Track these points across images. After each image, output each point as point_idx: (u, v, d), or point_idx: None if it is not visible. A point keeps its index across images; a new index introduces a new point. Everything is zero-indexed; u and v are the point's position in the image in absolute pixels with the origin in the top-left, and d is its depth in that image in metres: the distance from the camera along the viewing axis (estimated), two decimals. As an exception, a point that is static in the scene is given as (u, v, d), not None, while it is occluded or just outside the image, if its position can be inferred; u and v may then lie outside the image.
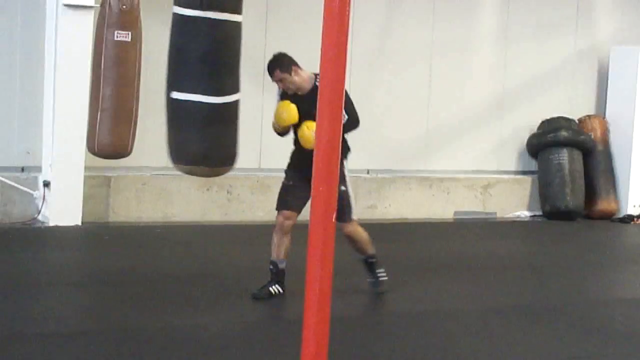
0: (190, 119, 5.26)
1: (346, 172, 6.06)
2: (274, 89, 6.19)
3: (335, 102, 3.20)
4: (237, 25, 5.28)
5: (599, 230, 10.41)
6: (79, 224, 8.42)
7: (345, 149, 6.08)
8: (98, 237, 8.23)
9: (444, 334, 5.54)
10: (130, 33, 6.24)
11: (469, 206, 10.68)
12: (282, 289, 6.08)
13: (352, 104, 5.90)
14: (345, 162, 6.08)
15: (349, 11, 3.14)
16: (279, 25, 9.42)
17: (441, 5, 10.56)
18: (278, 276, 6.07)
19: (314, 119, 5.74)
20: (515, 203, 10.98)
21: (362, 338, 5.38)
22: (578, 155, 10.91)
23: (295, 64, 5.87)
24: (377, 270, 6.30)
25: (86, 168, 8.37)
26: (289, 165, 6.15)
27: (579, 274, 7.76)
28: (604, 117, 11.36)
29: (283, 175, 6.24)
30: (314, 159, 3.25)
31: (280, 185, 6.22)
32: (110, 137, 6.04)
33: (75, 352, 4.82)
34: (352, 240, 6.18)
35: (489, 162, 11.04)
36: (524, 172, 11.22)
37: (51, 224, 8.33)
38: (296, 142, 6.05)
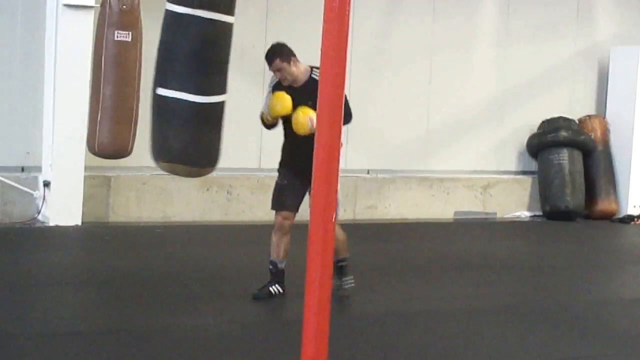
0: (174, 117, 5.20)
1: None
2: (271, 86, 6.17)
3: (335, 102, 3.20)
4: (229, 27, 5.25)
5: (599, 231, 10.41)
6: (79, 223, 8.42)
7: None
8: (98, 237, 8.23)
9: (443, 334, 5.54)
10: (130, 33, 6.24)
11: (469, 206, 10.68)
12: (282, 288, 6.08)
13: (345, 97, 5.87)
14: None
15: (349, 11, 3.14)
16: (279, 25, 9.42)
17: (441, 5, 10.57)
18: (278, 276, 6.07)
19: (307, 111, 5.77)
20: (515, 203, 10.99)
21: (362, 338, 5.37)
22: (578, 156, 10.92)
23: (294, 55, 5.86)
24: (346, 278, 6.20)
25: (86, 168, 8.38)
26: (282, 162, 6.11)
27: (579, 274, 7.76)
28: (604, 118, 11.36)
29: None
30: (314, 159, 3.24)
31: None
32: (110, 137, 6.04)
33: (75, 352, 4.82)
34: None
35: (489, 162, 11.04)
36: (524, 172, 11.23)
37: (51, 223, 8.33)
38: (287, 137, 6.01)
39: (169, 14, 5.18)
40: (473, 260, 8.03)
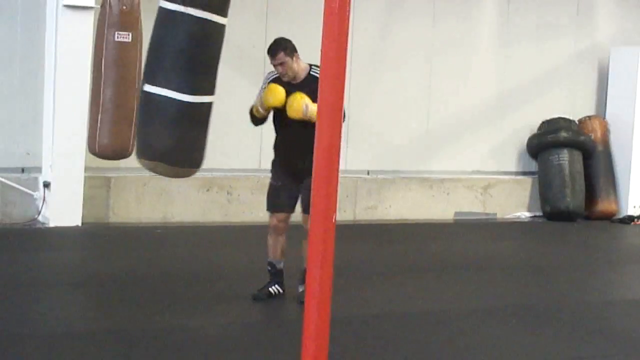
0: (158, 114, 5.14)
1: None
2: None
3: (335, 102, 3.20)
4: (220, 28, 5.22)
5: (599, 231, 10.41)
6: (79, 224, 8.42)
7: None
8: (98, 237, 8.24)
9: (444, 335, 5.54)
10: (130, 34, 6.24)
11: (469, 207, 10.68)
12: (282, 288, 6.07)
13: None
14: None
15: (349, 11, 3.14)
16: (279, 25, 9.41)
17: (441, 5, 10.57)
18: (277, 276, 6.07)
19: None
20: (515, 204, 10.99)
21: (362, 338, 5.37)
22: (578, 156, 10.92)
23: (297, 52, 5.86)
24: None
25: (86, 169, 8.38)
26: (275, 162, 6.07)
27: (579, 275, 7.76)
28: (604, 118, 11.36)
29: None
30: (314, 159, 3.24)
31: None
32: (111, 138, 6.04)
33: (75, 352, 4.82)
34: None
35: (489, 163, 11.04)
36: (524, 173, 11.23)
37: (51, 224, 8.33)
38: (280, 134, 5.98)
39: (161, 11, 5.17)
40: (473, 261, 8.03)
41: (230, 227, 9.01)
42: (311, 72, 5.82)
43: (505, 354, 5.24)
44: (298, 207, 6.06)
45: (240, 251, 7.88)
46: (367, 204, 10.11)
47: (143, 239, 8.24)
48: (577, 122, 11.17)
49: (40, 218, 8.47)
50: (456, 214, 10.59)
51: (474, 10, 10.86)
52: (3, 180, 8.43)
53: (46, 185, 8.42)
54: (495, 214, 10.83)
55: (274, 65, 5.82)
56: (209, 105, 5.35)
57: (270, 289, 6.05)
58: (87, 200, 8.53)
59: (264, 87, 5.93)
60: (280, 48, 5.78)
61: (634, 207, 11.04)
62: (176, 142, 5.20)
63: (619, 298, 7.08)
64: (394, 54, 10.36)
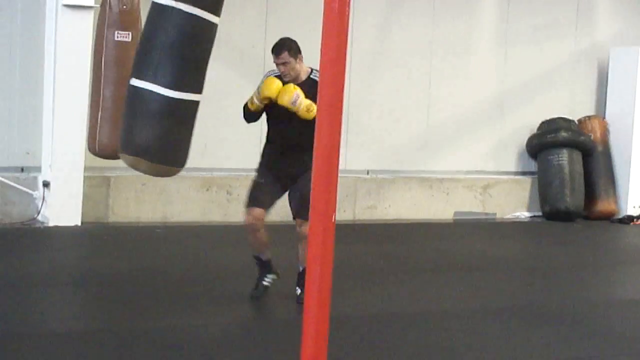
0: (142, 108, 5.09)
1: None
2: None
3: (335, 103, 3.20)
4: (210, 26, 5.19)
5: (598, 231, 10.41)
6: (79, 224, 8.42)
7: None
8: (98, 237, 8.24)
9: (443, 335, 5.54)
10: (130, 33, 6.25)
11: (469, 207, 10.68)
12: (275, 274, 6.07)
13: None
14: None
15: (348, 11, 3.14)
16: (279, 25, 9.41)
17: (441, 5, 10.57)
18: (265, 267, 6.05)
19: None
20: (514, 204, 10.99)
21: (361, 339, 5.37)
22: (578, 156, 10.92)
23: (301, 54, 5.85)
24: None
25: (86, 168, 8.38)
26: (262, 162, 6.02)
27: (579, 275, 7.76)
28: (603, 118, 11.37)
29: None
30: (314, 159, 3.24)
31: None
32: (110, 138, 6.03)
33: (75, 352, 4.82)
34: (305, 242, 5.96)
35: (488, 163, 11.05)
36: (523, 173, 11.23)
37: (51, 224, 8.33)
38: (272, 133, 5.96)
39: (153, 6, 5.17)
40: (473, 261, 8.03)
41: (230, 227, 9.01)
42: (311, 76, 5.81)
43: (505, 354, 5.25)
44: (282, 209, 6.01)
45: (239, 251, 7.85)
46: (367, 204, 10.12)
47: (143, 239, 8.24)
48: (576, 122, 11.18)
49: (39, 217, 8.47)
50: (456, 213, 10.60)
51: (474, 10, 10.86)
52: (2, 179, 8.43)
53: (46, 184, 8.42)
54: (495, 213, 10.83)
55: (277, 64, 5.79)
56: (194, 104, 5.29)
57: (263, 282, 6.04)
58: (87, 200, 8.53)
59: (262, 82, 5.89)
60: (285, 47, 5.76)
61: (634, 207, 11.04)
62: (158, 138, 5.14)
63: (619, 298, 7.08)
64: (394, 54, 10.36)
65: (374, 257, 7.96)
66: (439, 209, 10.50)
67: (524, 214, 11.00)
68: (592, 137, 11.07)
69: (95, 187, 8.72)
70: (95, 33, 6.73)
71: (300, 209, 5.81)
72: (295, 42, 5.82)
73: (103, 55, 6.37)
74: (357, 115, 9.83)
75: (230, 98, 8.17)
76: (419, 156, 10.61)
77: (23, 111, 8.65)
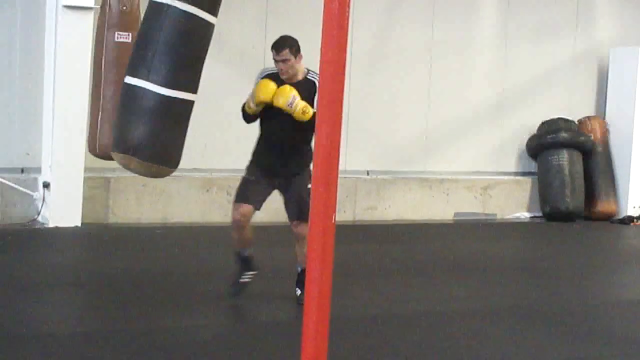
0: (134, 106, 5.08)
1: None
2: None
3: (335, 103, 3.20)
4: (206, 25, 5.17)
5: (598, 232, 10.41)
6: (79, 225, 8.42)
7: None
8: (98, 238, 8.23)
9: (443, 336, 5.54)
10: (130, 34, 6.24)
11: (469, 207, 10.68)
12: (255, 271, 6.02)
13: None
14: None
15: (348, 12, 3.14)
16: (278, 25, 9.41)
17: (441, 6, 10.57)
18: (245, 264, 5.99)
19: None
20: (515, 204, 10.99)
21: (361, 339, 5.37)
22: (578, 157, 10.92)
23: (301, 53, 5.82)
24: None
25: (86, 169, 8.38)
26: (253, 160, 5.96)
27: (579, 276, 7.76)
28: (603, 118, 11.37)
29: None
30: (314, 159, 3.24)
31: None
32: (110, 139, 6.01)
33: (75, 353, 4.82)
34: (303, 243, 5.83)
35: (488, 164, 11.05)
36: (523, 174, 11.23)
37: (51, 225, 8.33)
38: (265, 133, 5.90)
39: (150, 4, 5.16)
40: (473, 262, 8.03)
41: (229, 228, 8.98)
42: (308, 77, 5.77)
43: (505, 354, 5.24)
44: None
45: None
46: (367, 205, 10.11)
47: (143, 240, 8.24)
48: (576, 123, 11.18)
49: (39, 218, 8.47)
50: (456, 214, 10.60)
51: (474, 11, 10.86)
52: (3, 180, 8.42)
53: (46, 185, 8.42)
54: (495, 214, 10.83)
55: (276, 61, 5.71)
56: (188, 104, 5.26)
57: (241, 279, 5.98)
58: (87, 201, 8.53)
59: (256, 83, 5.81)
60: (287, 45, 5.69)
61: (634, 207, 11.04)
62: (150, 136, 5.11)
63: (619, 298, 7.08)
64: (394, 54, 10.36)
65: (374, 257, 7.96)
66: (439, 209, 10.50)
67: (524, 215, 11.00)
68: (592, 138, 11.07)
69: (95, 188, 8.72)
70: (95, 34, 6.73)
71: (298, 211, 5.80)
72: (296, 41, 5.78)
73: (103, 56, 6.37)
74: (357, 115, 9.83)
75: (230, 98, 8.15)
76: (419, 157, 10.62)
77: (23, 112, 8.65)
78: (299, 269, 5.96)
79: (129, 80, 5.20)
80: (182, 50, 5.12)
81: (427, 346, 5.31)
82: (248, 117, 5.89)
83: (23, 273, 6.57)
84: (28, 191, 8.50)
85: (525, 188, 11.07)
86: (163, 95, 5.08)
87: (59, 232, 8.22)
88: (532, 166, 11.18)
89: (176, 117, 5.22)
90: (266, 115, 5.81)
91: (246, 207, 5.84)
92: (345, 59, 3.19)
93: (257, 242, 7.87)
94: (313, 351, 3.23)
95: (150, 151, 5.16)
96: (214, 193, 9.29)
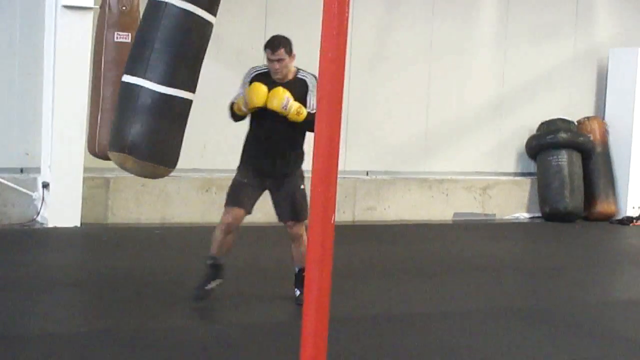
0: (131, 104, 5.06)
1: (304, 173, 5.89)
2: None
3: (334, 103, 3.20)
4: (204, 23, 5.15)
5: (598, 232, 10.41)
6: (78, 225, 8.42)
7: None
8: (97, 238, 8.23)
9: (442, 336, 5.54)
10: (130, 34, 6.24)
11: (468, 208, 10.68)
12: (221, 278, 5.89)
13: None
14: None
15: (348, 12, 3.14)
16: (278, 25, 9.39)
17: (440, 6, 10.57)
18: (217, 271, 5.88)
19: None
20: (514, 205, 10.99)
21: (361, 339, 5.37)
22: (577, 157, 10.92)
23: (293, 53, 5.78)
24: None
25: (85, 169, 8.37)
26: (245, 161, 5.90)
27: (578, 276, 7.76)
28: (603, 119, 11.37)
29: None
30: (314, 159, 3.24)
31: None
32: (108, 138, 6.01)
33: (74, 353, 4.82)
34: (299, 243, 5.85)
35: (488, 164, 11.05)
36: (523, 174, 11.24)
37: (50, 225, 8.33)
38: (255, 134, 5.84)
39: (148, 2, 5.15)
40: (472, 262, 8.03)
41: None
42: (298, 75, 5.72)
43: (503, 355, 5.24)
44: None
45: (238, 252, 7.84)
46: (366, 205, 10.11)
47: (142, 240, 8.24)
48: (575, 123, 11.18)
49: (39, 219, 8.46)
50: (455, 214, 10.60)
51: (474, 11, 10.86)
52: (2, 180, 8.42)
53: (45, 185, 8.41)
54: (494, 214, 10.83)
55: (271, 60, 5.65)
56: (186, 102, 5.22)
57: (209, 286, 5.85)
58: (86, 201, 8.52)
59: (246, 83, 5.75)
60: (282, 45, 5.64)
61: (633, 207, 11.04)
62: (146, 134, 5.07)
63: (618, 299, 7.08)
64: (394, 55, 10.36)
65: (374, 258, 7.96)
66: (438, 210, 10.49)
67: (523, 215, 11.00)
68: (591, 138, 11.07)
69: (95, 188, 8.71)
70: (94, 34, 6.73)
71: (292, 212, 5.78)
72: (290, 41, 5.73)
73: (102, 56, 6.36)
74: (356, 115, 9.83)
75: (229, 98, 8.15)
76: (418, 157, 10.62)
77: (22, 112, 8.65)
78: (296, 269, 5.96)
79: (126, 78, 5.19)
80: (180, 48, 5.11)
81: (427, 346, 5.31)
82: (237, 117, 5.83)
83: (22, 273, 6.57)
84: (27, 191, 8.50)
85: (524, 188, 11.07)
86: (159, 93, 5.06)
87: (58, 233, 8.22)
88: (532, 166, 11.18)
89: (173, 115, 5.20)
90: (257, 115, 5.75)
91: (238, 211, 5.80)
92: (344, 59, 3.19)
93: (255, 243, 7.90)
94: (312, 351, 3.23)
95: (146, 150, 5.13)
96: (213, 193, 9.28)
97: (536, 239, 9.96)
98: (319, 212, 3.22)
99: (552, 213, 10.74)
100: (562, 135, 10.84)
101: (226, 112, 5.91)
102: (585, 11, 11.50)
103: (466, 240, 9.32)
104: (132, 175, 8.81)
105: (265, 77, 5.70)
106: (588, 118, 11.31)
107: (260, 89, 5.60)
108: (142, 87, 5.07)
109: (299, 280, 5.82)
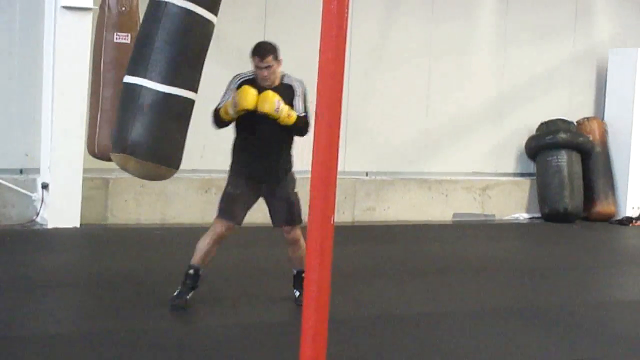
0: (132, 103, 5.04)
1: (295, 176, 5.88)
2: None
3: (334, 104, 3.20)
4: (205, 22, 5.14)
5: (597, 233, 10.42)
6: (78, 225, 8.41)
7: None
8: (96, 239, 8.23)
9: (442, 336, 5.54)
10: (129, 35, 6.24)
11: (468, 208, 10.68)
12: (196, 288, 5.79)
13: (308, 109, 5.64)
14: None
15: (347, 12, 3.14)
16: (278, 26, 9.42)
17: (440, 7, 10.57)
18: (196, 282, 5.77)
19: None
20: (513, 205, 10.99)
21: (360, 340, 5.37)
22: (576, 158, 10.92)
23: (280, 57, 5.75)
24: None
25: (85, 170, 8.37)
26: (235, 169, 5.86)
27: (578, 276, 7.76)
28: (602, 119, 11.37)
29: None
30: (313, 160, 3.24)
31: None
32: (109, 140, 6.01)
33: (74, 353, 4.82)
34: (297, 247, 5.84)
35: (487, 164, 11.05)
36: (522, 174, 11.24)
37: (50, 226, 8.32)
38: (243, 138, 5.80)
39: (150, 2, 5.15)
40: (472, 262, 8.03)
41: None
42: (284, 80, 5.67)
43: (503, 355, 5.24)
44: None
45: (238, 253, 7.86)
46: (366, 206, 10.11)
47: (141, 241, 8.24)
48: (575, 124, 11.18)
49: (38, 219, 8.46)
50: (455, 215, 10.60)
51: (473, 11, 10.86)
52: (1, 181, 8.42)
53: (44, 186, 8.41)
54: (494, 215, 10.83)
55: (260, 68, 5.59)
56: (188, 102, 5.20)
57: (188, 296, 5.75)
58: (86, 202, 8.52)
59: (232, 90, 5.68)
60: (271, 52, 5.59)
61: (633, 208, 11.04)
62: (148, 134, 5.05)
63: (618, 299, 7.08)
64: (393, 55, 10.36)
65: (373, 258, 7.96)
66: (438, 210, 10.50)
67: (523, 216, 11.00)
68: (590, 139, 11.07)
69: (94, 189, 8.71)
70: (94, 35, 6.73)
71: (289, 216, 5.76)
72: (277, 46, 5.67)
73: (102, 57, 6.36)
74: (356, 116, 9.83)
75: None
76: (418, 157, 10.61)
77: (22, 113, 8.64)
78: (294, 272, 5.95)
79: (127, 79, 5.18)
80: (181, 47, 5.10)
81: (427, 346, 5.31)
82: (221, 124, 5.74)
83: (22, 274, 6.57)
84: (27, 192, 8.50)
85: (524, 189, 11.07)
86: (160, 92, 5.05)
87: (57, 233, 8.22)
88: (531, 167, 11.18)
89: (175, 115, 5.18)
90: (244, 121, 5.68)
91: (231, 224, 5.77)
92: (344, 59, 3.19)
93: (254, 243, 7.90)
94: (312, 352, 3.24)
95: (148, 149, 5.11)
96: (213, 194, 9.26)
97: (536, 240, 9.96)
98: (318, 213, 3.22)
99: (551, 213, 10.74)
100: (562, 135, 10.84)
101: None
102: (585, 11, 11.50)
103: (466, 241, 9.32)
104: (131, 176, 8.84)
105: (251, 84, 5.63)
106: (587, 118, 11.32)
107: (250, 91, 5.55)
108: (143, 86, 5.06)
109: (298, 281, 5.82)
